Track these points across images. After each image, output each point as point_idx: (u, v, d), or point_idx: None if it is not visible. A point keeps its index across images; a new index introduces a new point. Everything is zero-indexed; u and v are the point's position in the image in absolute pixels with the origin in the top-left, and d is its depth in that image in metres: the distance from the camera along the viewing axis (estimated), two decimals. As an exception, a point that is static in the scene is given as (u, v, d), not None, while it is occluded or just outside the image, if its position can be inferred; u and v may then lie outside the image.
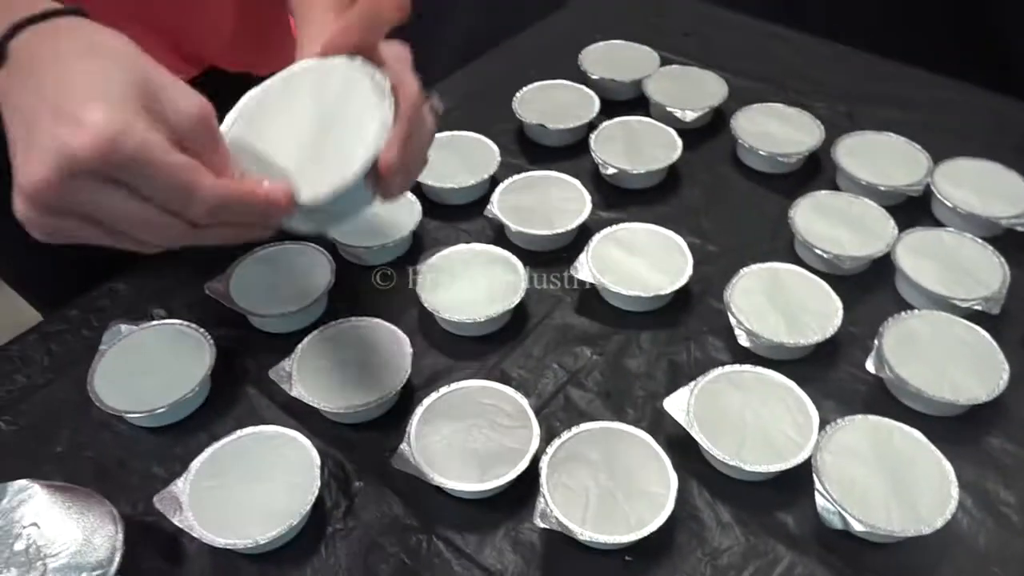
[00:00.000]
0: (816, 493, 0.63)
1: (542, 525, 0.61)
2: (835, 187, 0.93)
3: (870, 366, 0.72)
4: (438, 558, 0.63)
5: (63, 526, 0.59)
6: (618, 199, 0.94)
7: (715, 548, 0.63)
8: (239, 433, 0.67)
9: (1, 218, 0.81)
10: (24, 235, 0.87)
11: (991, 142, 0.97)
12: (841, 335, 0.75)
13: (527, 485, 0.65)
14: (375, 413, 0.71)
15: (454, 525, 0.65)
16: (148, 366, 0.72)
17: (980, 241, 0.82)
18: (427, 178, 0.91)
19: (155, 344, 0.74)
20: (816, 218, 0.86)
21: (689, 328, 0.80)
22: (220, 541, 0.60)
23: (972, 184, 0.89)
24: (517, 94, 1.04)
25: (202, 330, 0.75)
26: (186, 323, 0.76)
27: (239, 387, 0.75)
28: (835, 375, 0.75)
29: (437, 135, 0.96)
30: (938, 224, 0.88)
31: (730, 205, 0.93)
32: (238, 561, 0.63)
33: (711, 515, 0.65)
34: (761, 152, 0.94)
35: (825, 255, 0.81)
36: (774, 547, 0.63)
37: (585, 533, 0.60)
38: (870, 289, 0.82)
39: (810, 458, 0.64)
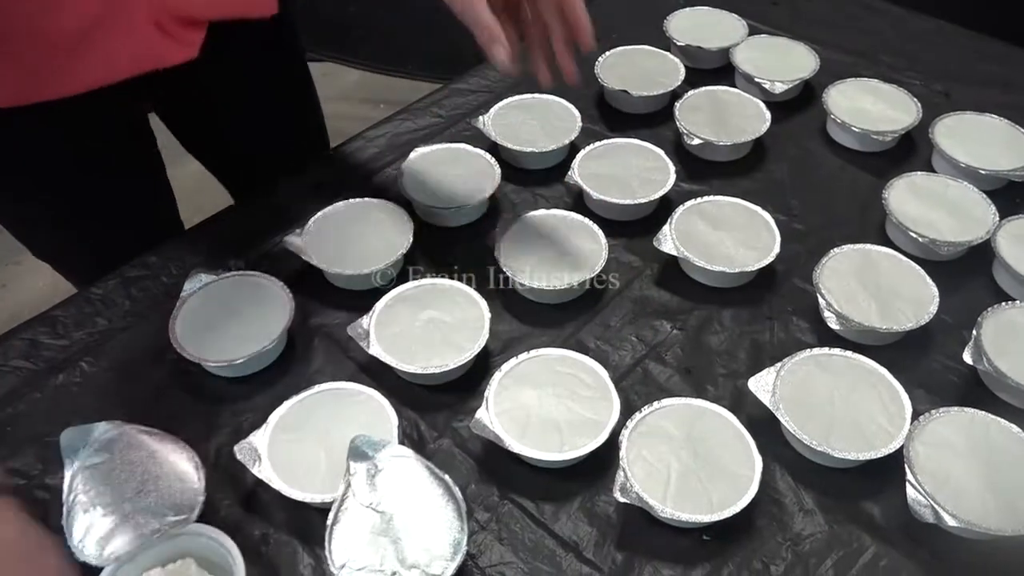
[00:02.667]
0: (907, 484, 0.60)
1: (622, 499, 0.60)
2: (930, 168, 0.89)
3: (967, 357, 0.69)
4: (513, 524, 0.62)
5: (147, 472, 0.60)
6: (701, 171, 0.91)
7: (797, 534, 0.61)
8: (317, 388, 0.67)
9: (35, 198, 0.82)
10: (53, 212, 0.88)
11: (1101, 128, 0.91)
12: (934, 323, 0.72)
13: (604, 457, 0.64)
14: (451, 376, 0.70)
15: (529, 493, 0.64)
16: (228, 316, 0.73)
17: (1088, 232, 0.78)
18: (507, 141, 0.89)
19: (235, 294, 0.74)
20: (911, 200, 0.82)
21: (773, 308, 0.77)
22: (297, 495, 0.60)
23: (1080, 172, 0.84)
24: (599, 59, 1.01)
25: (281, 283, 0.75)
26: (266, 275, 0.76)
27: (315, 342, 0.75)
28: (927, 364, 0.72)
29: (519, 96, 0.95)
30: (1041, 212, 0.84)
31: (818, 182, 0.90)
32: (311, 514, 0.63)
33: (794, 500, 0.63)
34: (854, 128, 0.90)
35: (921, 239, 0.78)
36: (859, 536, 0.61)
37: (666, 510, 0.59)
38: (966, 276, 0.79)
39: (901, 448, 0.62)
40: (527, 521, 0.62)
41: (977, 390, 0.70)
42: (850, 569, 0.59)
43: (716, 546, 0.61)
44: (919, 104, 0.93)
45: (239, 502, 0.64)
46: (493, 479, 0.65)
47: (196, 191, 1.28)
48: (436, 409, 0.70)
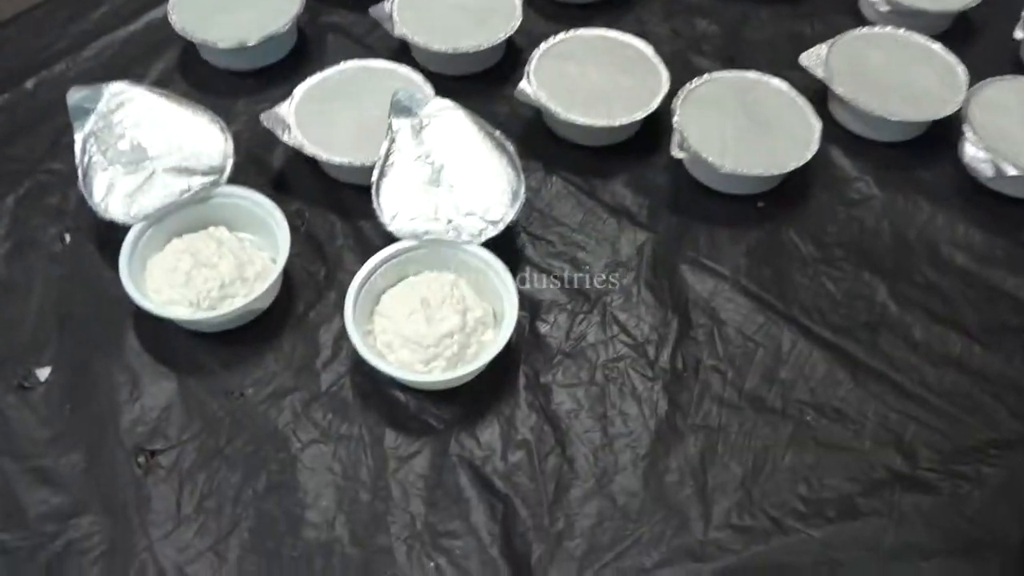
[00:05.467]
0: (965, 143, 0.59)
1: (679, 155, 0.57)
2: None
3: (1018, 33, 0.67)
4: (564, 195, 0.59)
5: (169, 131, 0.54)
6: None
7: (851, 199, 0.60)
8: (346, 64, 0.61)
9: None
10: None
11: None
12: (983, 9, 0.69)
13: (652, 134, 0.61)
14: (484, 63, 0.66)
15: (576, 169, 0.61)
16: (233, 2, 0.66)
17: None
18: None
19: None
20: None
21: (814, 5, 0.73)
22: (335, 158, 0.56)
23: None
24: None
25: (288, -30, 0.68)
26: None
27: (329, 38, 0.69)
28: (977, 49, 0.69)
29: None
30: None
31: None
32: (345, 191, 0.59)
33: (848, 171, 0.61)
34: None
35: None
36: (915, 200, 0.60)
37: (725, 166, 0.56)
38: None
39: (958, 112, 0.60)
40: (577, 192, 0.60)
41: (1026, 68, 0.68)
42: (908, 228, 0.58)
43: (770, 210, 0.59)
44: None
45: (268, 183, 0.60)
46: (538, 158, 0.62)
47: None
48: (468, 97, 0.64)
